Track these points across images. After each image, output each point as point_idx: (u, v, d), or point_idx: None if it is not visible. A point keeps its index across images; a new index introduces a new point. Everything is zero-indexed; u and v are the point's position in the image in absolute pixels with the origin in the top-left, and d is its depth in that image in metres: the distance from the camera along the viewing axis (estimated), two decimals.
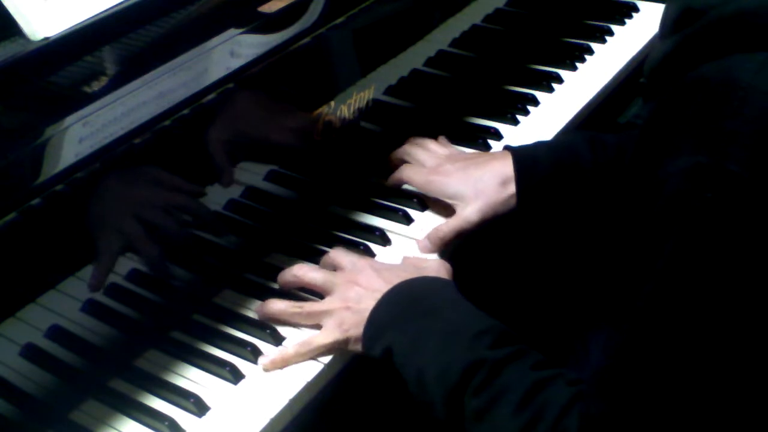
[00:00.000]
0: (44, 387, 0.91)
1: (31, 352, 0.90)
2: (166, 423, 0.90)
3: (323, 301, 1.00)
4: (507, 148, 1.15)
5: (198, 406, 0.92)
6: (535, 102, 1.34)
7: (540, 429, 0.81)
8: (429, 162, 1.17)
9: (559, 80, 1.39)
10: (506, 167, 1.10)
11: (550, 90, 1.37)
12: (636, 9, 1.55)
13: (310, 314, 0.99)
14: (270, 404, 0.92)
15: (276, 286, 1.05)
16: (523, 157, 1.11)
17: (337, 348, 0.96)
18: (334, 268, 1.03)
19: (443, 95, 1.36)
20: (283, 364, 0.96)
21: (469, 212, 1.09)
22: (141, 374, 0.97)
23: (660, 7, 1.53)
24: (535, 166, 1.10)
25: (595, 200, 1.10)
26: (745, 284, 0.70)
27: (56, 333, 0.92)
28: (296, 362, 0.96)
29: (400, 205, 1.16)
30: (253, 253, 1.10)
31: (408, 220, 1.14)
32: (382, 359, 0.93)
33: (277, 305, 1.00)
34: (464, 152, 1.23)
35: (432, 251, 1.09)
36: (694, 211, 0.70)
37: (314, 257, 1.08)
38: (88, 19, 0.90)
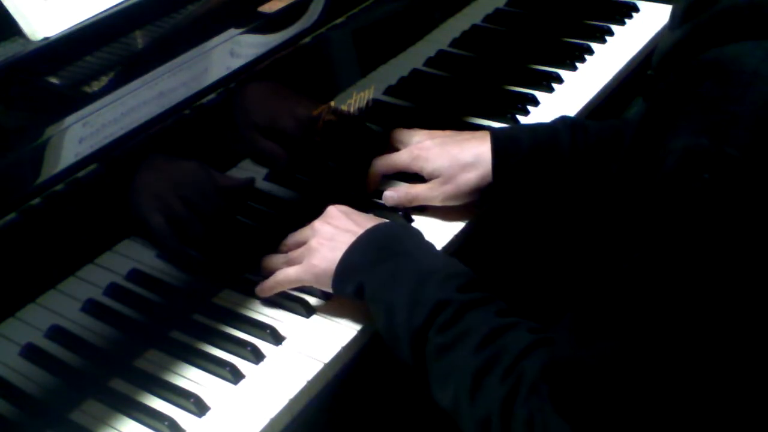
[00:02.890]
0: (44, 387, 0.91)
1: (31, 352, 0.90)
2: (166, 423, 0.90)
3: (303, 246, 1.03)
4: (489, 129, 1.17)
5: (198, 406, 0.92)
6: (535, 102, 1.34)
7: (497, 370, 0.84)
8: (413, 139, 1.20)
9: (559, 80, 1.39)
10: (483, 146, 1.12)
11: (550, 90, 1.37)
12: (636, 9, 1.55)
13: (293, 260, 1.03)
14: (270, 404, 0.92)
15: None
16: (502, 137, 1.13)
17: (306, 281, 1.01)
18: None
19: (443, 95, 1.36)
20: (265, 292, 1.03)
21: (436, 194, 1.13)
22: (141, 374, 0.97)
23: (660, 7, 1.54)
24: (513, 147, 1.12)
25: (571, 185, 1.13)
26: (734, 265, 0.71)
27: (56, 333, 0.92)
28: (275, 291, 1.02)
29: None
30: (253, 252, 1.10)
31: (408, 220, 1.14)
32: (354, 296, 0.97)
33: (272, 259, 1.06)
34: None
35: (395, 204, 1.15)
36: (692, 191, 0.71)
37: None
38: (88, 19, 0.90)
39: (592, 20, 1.52)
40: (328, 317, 1.02)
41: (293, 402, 0.93)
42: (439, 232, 1.12)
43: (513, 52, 1.46)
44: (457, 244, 1.12)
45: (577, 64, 1.42)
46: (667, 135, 0.75)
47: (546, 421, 0.79)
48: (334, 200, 1.18)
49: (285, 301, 1.03)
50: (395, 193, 1.15)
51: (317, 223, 1.04)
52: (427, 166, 1.15)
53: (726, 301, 0.72)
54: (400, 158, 1.18)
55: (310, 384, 0.95)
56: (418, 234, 1.02)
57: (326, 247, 1.00)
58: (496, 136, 1.13)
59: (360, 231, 0.99)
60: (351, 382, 1.00)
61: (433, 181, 1.14)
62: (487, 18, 1.45)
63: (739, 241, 0.71)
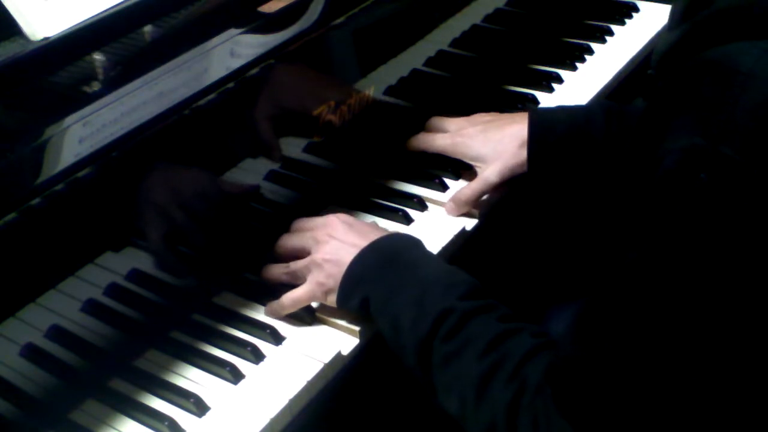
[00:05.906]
0: (44, 387, 0.91)
1: (31, 352, 0.90)
2: (166, 423, 0.90)
3: (304, 258, 1.03)
4: (529, 109, 1.18)
5: (198, 406, 0.92)
6: (535, 102, 1.34)
7: (501, 375, 0.84)
8: (451, 126, 1.21)
9: (559, 80, 1.39)
10: (524, 130, 1.14)
11: (550, 90, 1.37)
12: (636, 9, 1.55)
13: (294, 272, 1.03)
14: (270, 404, 0.92)
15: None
16: (539, 120, 1.14)
17: (316, 300, 1.01)
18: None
19: (443, 95, 1.36)
20: (276, 314, 1.02)
21: (488, 174, 1.15)
22: (141, 374, 0.97)
23: (660, 7, 1.54)
24: (549, 129, 1.13)
25: (603, 171, 1.13)
26: (731, 265, 0.72)
27: (56, 333, 0.92)
28: (285, 312, 1.01)
29: (400, 205, 1.16)
30: (253, 252, 1.10)
31: (408, 220, 1.15)
32: (359, 310, 0.97)
33: (272, 269, 1.05)
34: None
35: (457, 213, 1.15)
36: (688, 191, 0.72)
37: None
38: (88, 19, 0.90)
39: (592, 20, 1.52)
40: (329, 318, 1.02)
41: (293, 402, 0.93)
42: (439, 232, 1.12)
43: (513, 52, 1.46)
44: (457, 244, 1.12)
45: (577, 64, 1.42)
46: (665, 134, 0.75)
47: (550, 423, 0.79)
48: (333, 200, 1.18)
49: None
50: (453, 203, 1.15)
51: (319, 235, 1.03)
52: (469, 152, 1.17)
53: (724, 302, 0.72)
54: (442, 142, 1.20)
55: (310, 384, 0.95)
56: (419, 244, 1.01)
57: (331, 263, 0.99)
58: (533, 119, 1.14)
59: (363, 244, 0.99)
60: (351, 382, 1.00)
61: (480, 168, 1.16)
62: (487, 18, 1.45)
63: (736, 241, 0.71)
